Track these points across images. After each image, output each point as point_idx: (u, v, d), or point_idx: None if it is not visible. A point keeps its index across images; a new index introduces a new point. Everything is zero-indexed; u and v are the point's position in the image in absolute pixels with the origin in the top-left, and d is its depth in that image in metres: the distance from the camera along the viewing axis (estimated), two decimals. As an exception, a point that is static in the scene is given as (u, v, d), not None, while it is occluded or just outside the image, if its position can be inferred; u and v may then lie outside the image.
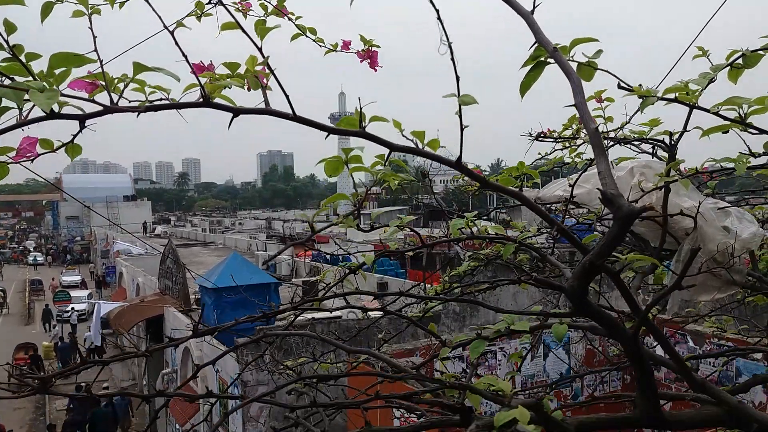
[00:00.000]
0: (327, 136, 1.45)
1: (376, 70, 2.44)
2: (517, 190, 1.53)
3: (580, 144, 3.21)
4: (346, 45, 2.64)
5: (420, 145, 1.46)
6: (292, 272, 31.40)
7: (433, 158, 1.49)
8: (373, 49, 2.53)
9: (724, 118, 1.82)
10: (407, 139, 1.47)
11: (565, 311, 1.75)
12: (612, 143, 2.80)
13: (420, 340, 13.91)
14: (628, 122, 2.76)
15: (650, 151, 2.86)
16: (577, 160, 3.27)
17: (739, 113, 1.80)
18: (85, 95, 1.36)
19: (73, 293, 42.24)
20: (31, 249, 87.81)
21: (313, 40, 2.54)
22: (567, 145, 3.32)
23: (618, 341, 1.56)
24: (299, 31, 2.17)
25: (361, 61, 2.54)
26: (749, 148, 2.24)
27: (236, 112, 1.39)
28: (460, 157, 1.43)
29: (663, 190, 2.02)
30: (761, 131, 1.88)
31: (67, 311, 38.07)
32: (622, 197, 1.30)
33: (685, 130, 2.16)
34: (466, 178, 4.06)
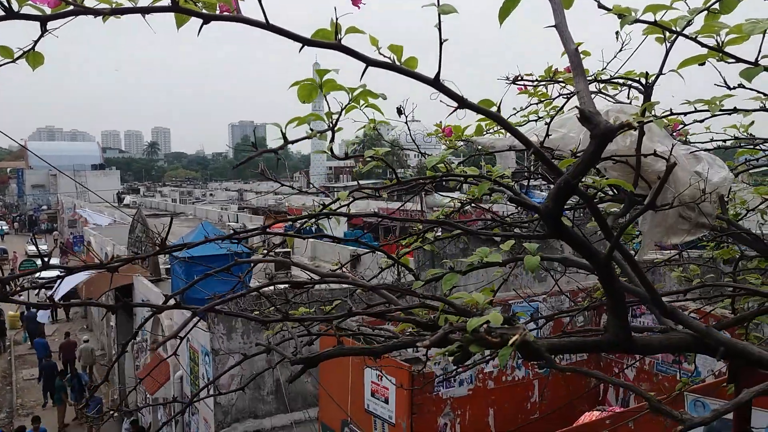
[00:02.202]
0: (301, 48, 1.40)
1: (359, 8, 2.37)
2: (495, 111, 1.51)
3: (555, 97, 3.20)
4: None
5: (397, 62, 1.43)
6: (264, 243, 31.26)
7: (410, 75, 1.45)
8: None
9: (701, 44, 1.82)
10: (384, 57, 1.43)
11: (539, 233, 1.75)
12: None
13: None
14: (605, 69, 2.77)
15: (626, 101, 2.86)
16: (552, 113, 3.26)
17: (716, 41, 1.80)
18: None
19: (39, 262, 41.41)
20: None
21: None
22: (541, 99, 3.31)
23: (591, 265, 1.57)
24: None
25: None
26: (724, 80, 2.26)
27: (206, 18, 1.33)
28: (438, 74, 1.39)
29: (637, 131, 2.03)
30: (738, 60, 1.89)
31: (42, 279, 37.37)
32: (600, 115, 1.30)
33: (661, 72, 2.17)
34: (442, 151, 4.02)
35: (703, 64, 1.89)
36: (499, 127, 2.94)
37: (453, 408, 11.12)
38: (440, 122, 3.74)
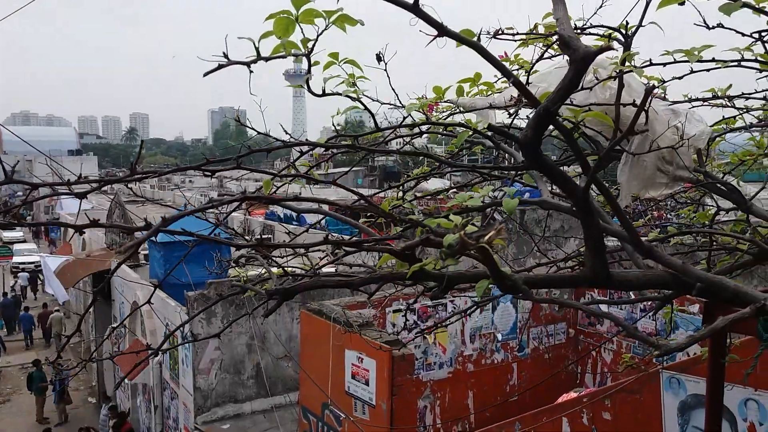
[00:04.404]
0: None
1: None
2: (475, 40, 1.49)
3: (536, 61, 3.18)
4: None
5: (375, -13, 1.40)
6: (244, 230, 31.10)
7: (389, 0, 1.42)
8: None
9: None
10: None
11: (519, 165, 1.74)
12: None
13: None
14: (588, 22, 2.75)
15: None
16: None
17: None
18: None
19: (17, 248, 41.08)
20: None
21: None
22: (522, 65, 3.29)
23: (569, 200, 1.56)
24: None
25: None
26: (704, 20, 2.26)
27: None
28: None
29: (617, 81, 2.02)
30: None
31: (22, 264, 37.13)
32: (579, 40, 1.28)
33: (641, 24, 2.16)
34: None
35: (683, 3, 1.88)
36: (480, 90, 2.93)
37: (433, 390, 11.20)
38: (423, 95, 3.73)
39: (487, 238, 1.11)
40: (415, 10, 1.40)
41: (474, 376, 11.79)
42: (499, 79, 3.61)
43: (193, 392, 12.87)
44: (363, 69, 2.27)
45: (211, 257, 12.75)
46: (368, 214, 2.59)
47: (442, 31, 1.43)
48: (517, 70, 3.39)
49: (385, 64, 2.09)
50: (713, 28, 2.27)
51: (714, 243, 2.96)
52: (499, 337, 12.29)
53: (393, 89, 2.39)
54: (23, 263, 37.32)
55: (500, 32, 2.70)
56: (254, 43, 1.49)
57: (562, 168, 3.26)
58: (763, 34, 2.37)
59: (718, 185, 2.54)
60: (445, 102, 2.92)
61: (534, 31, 2.78)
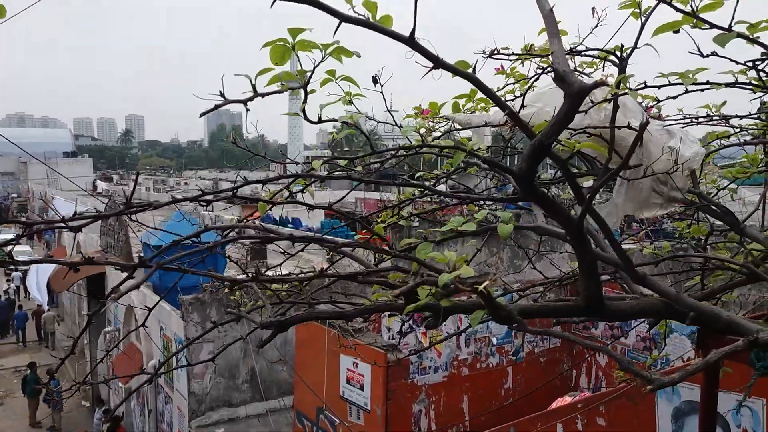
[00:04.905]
0: (272, 4, 1.36)
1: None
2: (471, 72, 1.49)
3: (532, 77, 3.19)
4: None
5: (372, 20, 1.40)
6: (239, 232, 31.07)
7: (385, 32, 1.42)
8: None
9: (676, 9, 1.83)
10: (359, 15, 1.40)
11: (513, 196, 1.75)
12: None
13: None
14: (582, 43, 2.77)
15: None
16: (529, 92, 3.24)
17: (691, 6, 1.81)
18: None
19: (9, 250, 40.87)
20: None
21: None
22: (518, 79, 3.30)
23: (563, 229, 1.57)
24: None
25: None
26: (698, 47, 2.27)
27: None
28: (413, 32, 1.37)
29: (612, 104, 2.03)
30: (712, 26, 1.90)
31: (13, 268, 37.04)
32: (574, 74, 1.29)
33: (636, 46, 2.17)
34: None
35: (677, 31, 1.90)
36: (475, 103, 2.93)
37: (428, 394, 11.19)
38: (419, 105, 3.73)
39: (482, 287, 1.12)
40: (411, 43, 1.40)
41: (469, 380, 11.79)
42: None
43: (188, 396, 12.83)
44: (360, 87, 2.26)
45: (207, 263, 12.71)
46: (364, 230, 2.59)
47: (438, 63, 1.44)
48: (513, 84, 3.40)
49: (381, 86, 2.09)
50: (707, 56, 2.28)
51: (707, 263, 2.98)
52: (494, 341, 12.28)
53: (389, 110, 2.39)
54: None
55: (496, 52, 2.70)
56: (251, 80, 1.49)
57: (557, 185, 3.28)
58: (757, 62, 2.40)
59: (712, 207, 2.56)
60: (440, 117, 2.93)
61: (529, 51, 2.78)
